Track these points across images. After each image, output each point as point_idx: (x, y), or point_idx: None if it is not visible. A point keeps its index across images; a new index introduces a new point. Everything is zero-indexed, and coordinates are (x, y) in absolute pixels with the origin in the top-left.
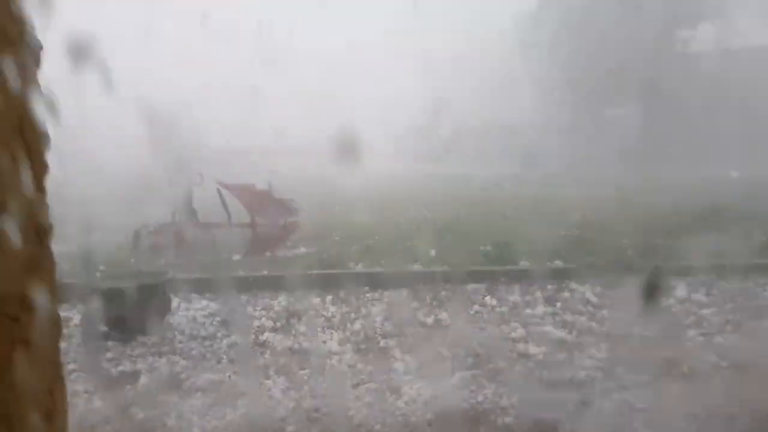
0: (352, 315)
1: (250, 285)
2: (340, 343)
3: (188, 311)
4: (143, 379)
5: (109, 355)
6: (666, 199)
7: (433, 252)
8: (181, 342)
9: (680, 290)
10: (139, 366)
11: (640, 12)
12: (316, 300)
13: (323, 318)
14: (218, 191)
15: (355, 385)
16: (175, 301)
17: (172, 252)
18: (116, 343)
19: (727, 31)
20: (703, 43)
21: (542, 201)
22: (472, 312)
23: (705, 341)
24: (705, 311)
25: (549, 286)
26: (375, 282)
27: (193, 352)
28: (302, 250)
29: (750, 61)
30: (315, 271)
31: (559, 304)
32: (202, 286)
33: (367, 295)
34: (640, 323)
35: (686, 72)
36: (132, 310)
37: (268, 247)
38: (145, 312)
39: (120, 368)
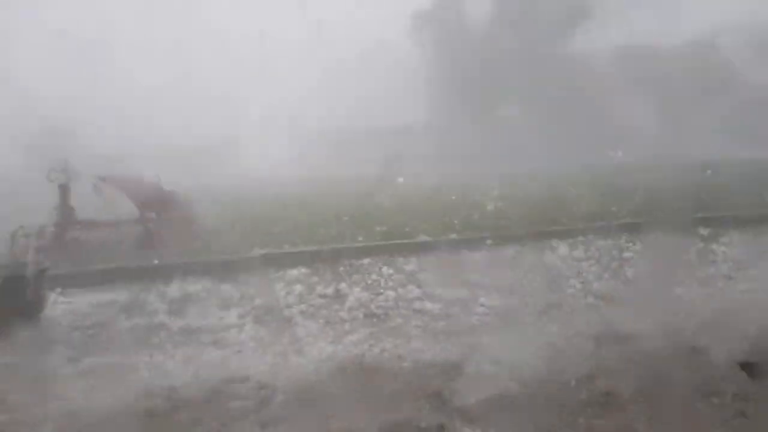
0: (252, 293)
1: (142, 275)
2: (239, 317)
3: (70, 304)
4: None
5: None
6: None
7: (332, 232)
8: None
9: (562, 249)
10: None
11: (532, 13)
12: (214, 284)
13: (221, 299)
14: (94, 186)
15: (255, 350)
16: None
17: (55, 252)
18: None
19: (614, 31)
20: (590, 42)
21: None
22: (369, 281)
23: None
24: (583, 264)
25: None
26: (275, 263)
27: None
28: (198, 240)
29: (634, 58)
30: (213, 258)
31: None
32: (92, 279)
33: (270, 276)
34: (528, 277)
35: (574, 69)
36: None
37: (162, 242)
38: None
39: None
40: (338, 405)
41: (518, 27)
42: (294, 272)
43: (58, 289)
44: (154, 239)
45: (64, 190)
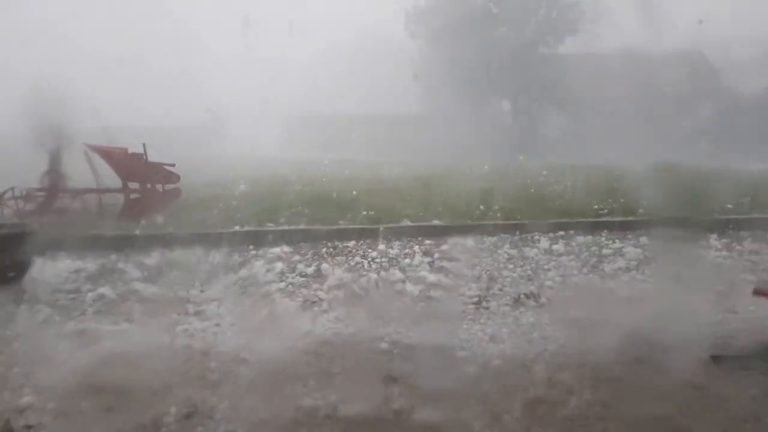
0: (234, 267)
1: (123, 244)
2: (222, 290)
3: (53, 268)
4: None
5: None
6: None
7: (315, 214)
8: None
9: (543, 243)
10: None
11: (517, 16)
12: (197, 257)
13: (202, 272)
14: (85, 154)
15: (232, 325)
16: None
17: (42, 216)
18: None
19: (594, 38)
20: (573, 46)
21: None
22: (353, 263)
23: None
24: (563, 258)
25: (427, 241)
26: (259, 241)
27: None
28: (184, 215)
29: (613, 63)
30: (197, 231)
31: (436, 255)
32: (70, 246)
33: (252, 252)
34: (511, 268)
35: (557, 71)
36: None
37: (142, 213)
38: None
39: None
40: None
41: (510, 26)
42: (276, 250)
43: (46, 252)
44: (134, 209)
45: (54, 156)
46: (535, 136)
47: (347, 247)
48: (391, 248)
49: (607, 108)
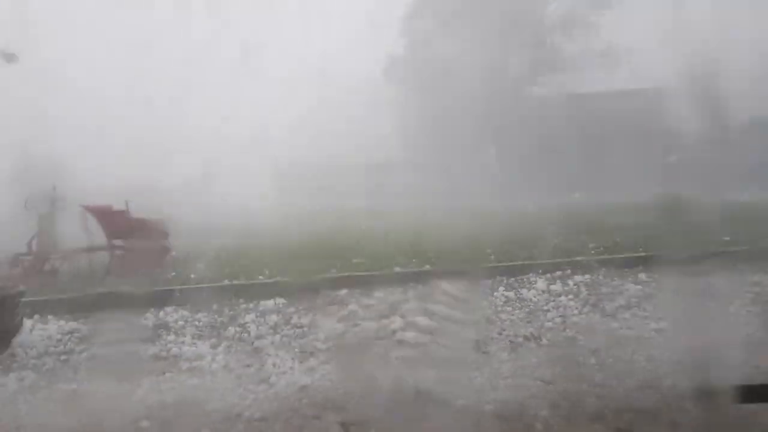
0: (225, 323)
1: (114, 304)
2: (212, 346)
3: (44, 330)
4: None
5: None
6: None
7: (306, 264)
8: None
9: (540, 283)
10: None
11: (499, 61)
12: (188, 313)
13: (195, 327)
14: (81, 213)
15: (225, 379)
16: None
17: (31, 280)
18: None
19: (573, 80)
20: (553, 89)
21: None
22: (346, 312)
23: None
24: (562, 298)
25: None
26: (250, 294)
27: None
28: (174, 271)
29: (593, 104)
30: (186, 286)
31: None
32: (62, 308)
33: (242, 306)
34: (506, 311)
35: (538, 114)
36: None
37: (128, 270)
38: None
39: None
40: None
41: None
42: (269, 303)
43: (36, 316)
44: (120, 266)
45: (43, 219)
46: (528, 178)
47: None
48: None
49: (592, 146)
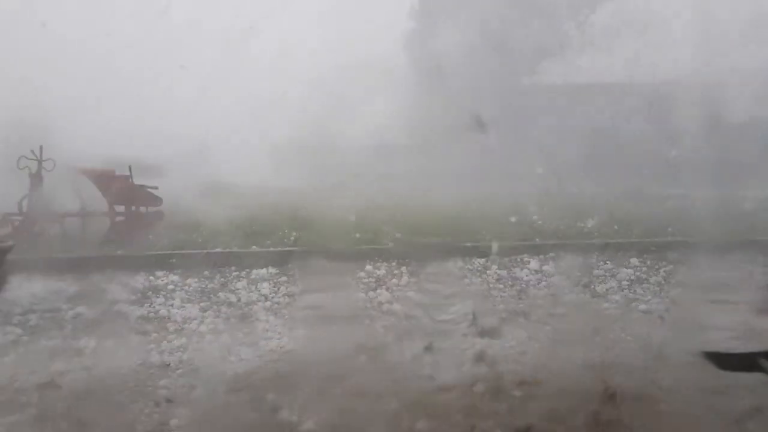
0: (216, 288)
1: (105, 265)
2: (202, 309)
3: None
4: None
5: None
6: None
7: (300, 235)
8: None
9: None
10: None
11: (498, 47)
12: (178, 278)
13: (184, 292)
14: (72, 177)
15: (212, 342)
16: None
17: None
18: None
19: (572, 68)
20: (552, 77)
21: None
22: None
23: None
24: (553, 278)
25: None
26: (242, 262)
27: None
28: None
29: (592, 94)
30: (180, 251)
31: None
32: (51, 267)
33: (234, 273)
34: (499, 288)
35: (536, 102)
36: None
37: (127, 236)
38: None
39: None
40: None
41: (494, 57)
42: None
43: (23, 274)
44: (119, 232)
45: (34, 180)
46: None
47: None
48: None
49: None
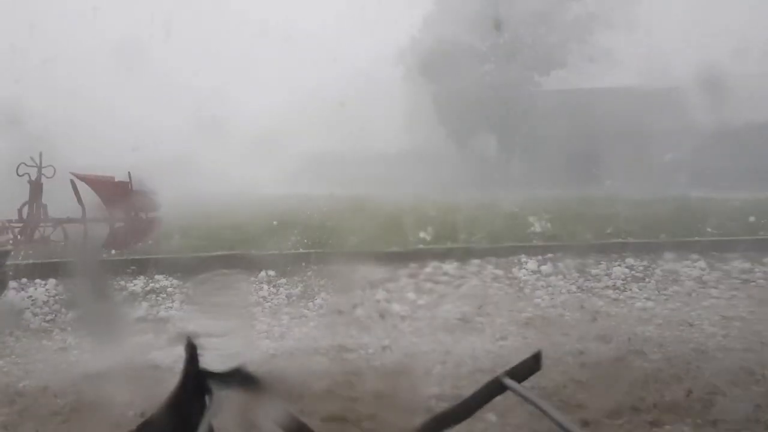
0: (215, 290)
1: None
2: (201, 311)
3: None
4: None
5: None
6: None
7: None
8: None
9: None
10: None
11: (504, 54)
12: (176, 281)
13: (182, 294)
14: (72, 183)
15: (207, 337)
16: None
17: (21, 247)
18: None
19: (577, 75)
20: (557, 83)
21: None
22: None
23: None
24: (552, 278)
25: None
26: (245, 264)
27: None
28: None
29: (596, 99)
30: (176, 255)
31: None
32: (49, 271)
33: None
34: (497, 288)
35: (541, 107)
36: None
37: (126, 242)
38: None
39: None
40: None
41: (499, 65)
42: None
43: (23, 279)
44: (118, 237)
45: (34, 187)
46: (524, 170)
47: None
48: None
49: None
